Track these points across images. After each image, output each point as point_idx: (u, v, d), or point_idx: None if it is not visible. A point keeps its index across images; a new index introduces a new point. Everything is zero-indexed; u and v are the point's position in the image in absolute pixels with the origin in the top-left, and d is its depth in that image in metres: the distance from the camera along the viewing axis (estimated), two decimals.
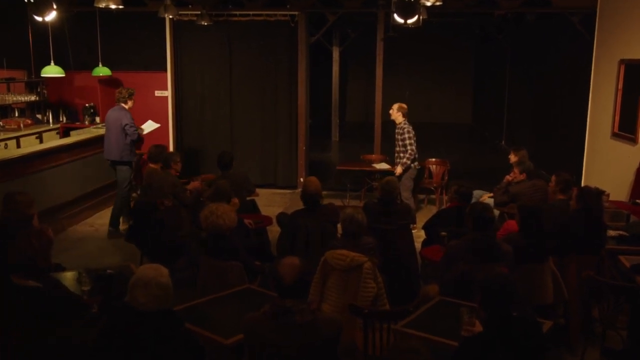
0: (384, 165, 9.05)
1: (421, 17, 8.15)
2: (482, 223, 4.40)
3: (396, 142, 8.39)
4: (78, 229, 8.41)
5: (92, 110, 10.49)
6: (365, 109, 19.77)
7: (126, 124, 7.89)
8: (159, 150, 7.40)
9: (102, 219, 8.85)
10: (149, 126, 8.60)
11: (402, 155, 8.25)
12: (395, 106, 8.29)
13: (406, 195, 8.21)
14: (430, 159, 9.76)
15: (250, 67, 10.63)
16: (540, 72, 12.60)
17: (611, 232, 5.64)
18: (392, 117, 8.33)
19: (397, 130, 8.35)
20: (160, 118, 10.61)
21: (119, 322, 3.01)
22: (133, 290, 2.98)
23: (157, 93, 10.72)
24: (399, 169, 8.22)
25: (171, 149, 10.58)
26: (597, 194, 5.48)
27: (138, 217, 6.71)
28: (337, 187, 10.39)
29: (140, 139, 8.22)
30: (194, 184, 7.29)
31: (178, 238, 6.15)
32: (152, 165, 7.32)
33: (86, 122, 10.39)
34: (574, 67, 10.24)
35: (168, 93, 10.75)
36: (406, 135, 8.18)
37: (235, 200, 6.18)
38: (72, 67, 10.08)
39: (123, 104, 8.03)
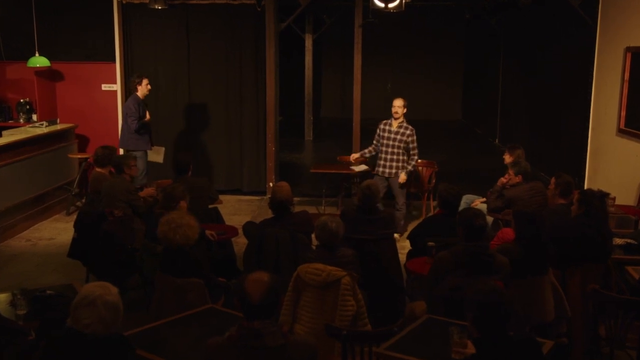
0: (363, 168, 9.07)
1: (403, 1, 8.23)
2: (474, 232, 4.43)
3: (387, 143, 8.10)
4: (12, 243, 8.28)
5: (27, 107, 10.34)
6: (342, 104, 19.89)
7: (126, 114, 8.72)
8: (107, 153, 7.34)
9: (40, 231, 8.74)
10: (154, 154, 9.15)
11: (399, 158, 8.09)
12: (402, 101, 8.10)
13: (402, 202, 8.23)
14: None
15: (211, 57, 10.59)
16: (538, 61, 12.76)
17: (618, 240, 5.72)
18: (398, 115, 8.05)
19: (394, 130, 8.08)
20: (107, 115, 10.54)
21: (60, 349, 2.97)
22: (76, 311, 2.95)
23: (105, 87, 10.62)
24: (403, 176, 8.06)
25: (121, 151, 10.48)
26: (601, 198, 5.55)
27: (83, 229, 6.64)
28: (311, 192, 10.40)
29: (144, 127, 8.76)
30: (148, 191, 7.26)
31: (129, 252, 6.10)
32: (98, 170, 7.26)
33: (21, 121, 10.24)
34: (576, 56, 10.39)
35: (117, 87, 10.65)
36: (415, 138, 8.10)
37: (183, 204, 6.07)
38: (3, 56, 9.93)
39: (135, 92, 8.77)
